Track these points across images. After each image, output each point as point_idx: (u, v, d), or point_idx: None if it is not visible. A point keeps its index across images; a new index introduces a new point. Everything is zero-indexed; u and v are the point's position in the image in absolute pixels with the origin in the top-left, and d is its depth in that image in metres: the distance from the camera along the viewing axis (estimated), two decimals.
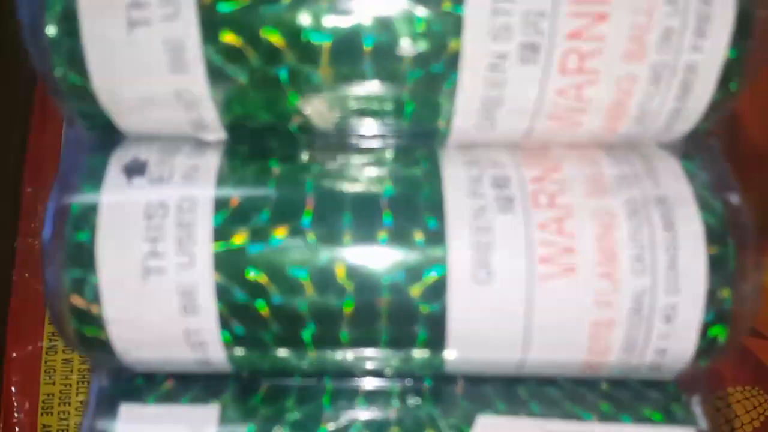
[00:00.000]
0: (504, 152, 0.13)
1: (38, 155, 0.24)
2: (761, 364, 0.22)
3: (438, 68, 0.11)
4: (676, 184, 0.12)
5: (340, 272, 0.12)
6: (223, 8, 0.11)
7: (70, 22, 0.11)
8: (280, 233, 0.12)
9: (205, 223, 0.11)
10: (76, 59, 0.11)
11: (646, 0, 0.10)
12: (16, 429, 0.23)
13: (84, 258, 0.11)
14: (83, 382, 0.23)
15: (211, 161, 0.12)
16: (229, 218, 0.11)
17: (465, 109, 0.12)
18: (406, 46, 0.11)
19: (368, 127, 0.12)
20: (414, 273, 0.12)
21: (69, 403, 0.23)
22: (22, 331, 0.23)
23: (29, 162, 0.24)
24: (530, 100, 0.11)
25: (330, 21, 0.11)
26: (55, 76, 0.11)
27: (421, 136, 0.13)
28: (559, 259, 0.11)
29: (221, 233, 0.11)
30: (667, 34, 0.11)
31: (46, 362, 0.23)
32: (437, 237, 0.11)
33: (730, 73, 0.11)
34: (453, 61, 0.11)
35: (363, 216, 0.12)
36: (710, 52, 0.11)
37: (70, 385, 0.23)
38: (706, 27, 0.11)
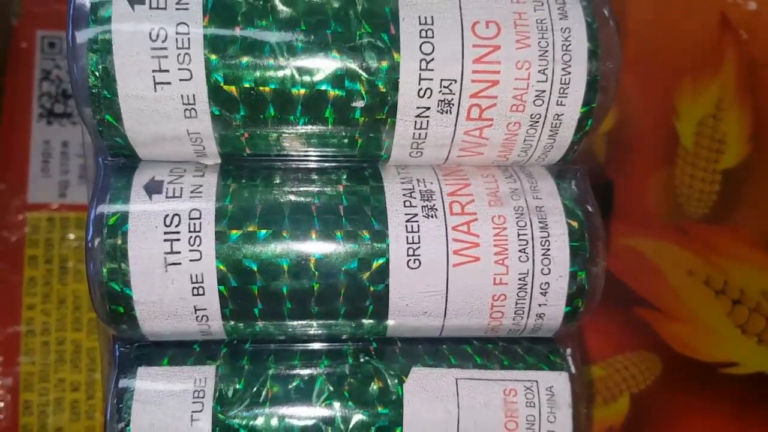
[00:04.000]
0: (430, 172, 0.17)
1: (8, 154, 0.26)
2: (653, 332, 0.25)
3: (381, 116, 0.15)
4: (550, 197, 0.16)
5: (310, 262, 0.15)
6: (224, 73, 0.14)
7: (109, 81, 0.14)
8: (265, 234, 0.15)
9: (209, 228, 0.15)
10: (113, 108, 0.14)
11: (525, 72, 0.15)
12: (1, 404, 0.25)
13: (118, 255, 0.15)
14: (60, 362, 0.25)
15: (211, 181, 0.16)
16: (226, 224, 0.15)
17: (400, 144, 0.16)
18: (358, 100, 0.15)
19: (328, 155, 0.16)
20: (364, 262, 0.15)
21: (48, 381, 0.25)
22: (0, 317, 0.25)
23: (0, 161, 0.26)
24: (446, 138, 0.15)
25: (303, 80, 0.15)
26: (95, 119, 0.15)
27: (367, 161, 0.17)
28: (468, 252, 0.15)
29: (221, 235, 0.15)
30: (540, 94, 0.15)
31: (25, 344, 0.25)
32: (381, 236, 0.15)
33: (584, 119, 0.15)
34: (392, 111, 0.15)
35: (326, 220, 0.15)
36: (570, 106, 0.15)
37: (48, 364, 0.25)
38: (567, 89, 0.15)
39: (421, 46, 0.15)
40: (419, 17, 0.15)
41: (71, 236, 0.26)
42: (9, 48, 0.27)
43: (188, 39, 0.14)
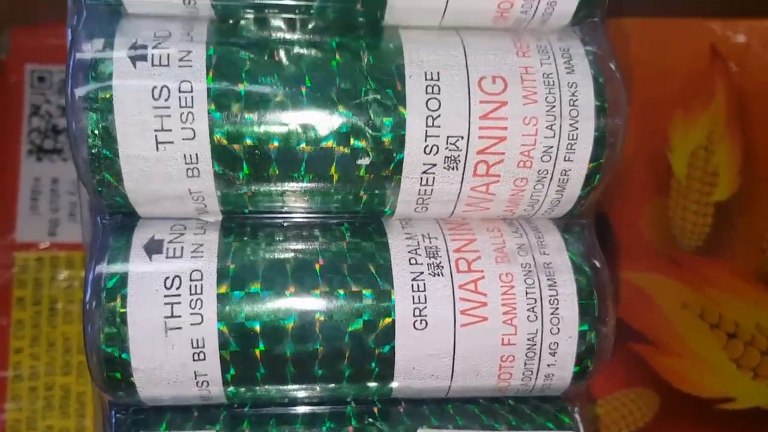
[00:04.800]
0: (434, 226, 0.16)
1: None
2: (649, 367, 0.25)
3: (386, 173, 0.15)
4: (557, 254, 0.16)
5: (314, 323, 0.15)
6: (227, 131, 0.14)
7: (110, 141, 0.14)
8: (268, 294, 0.15)
9: (210, 289, 0.15)
10: (113, 168, 0.14)
11: (532, 127, 0.15)
12: None
13: (117, 320, 0.14)
14: (48, 408, 0.24)
15: (213, 239, 0.15)
16: (228, 284, 0.15)
17: (405, 200, 0.15)
18: (364, 157, 0.15)
19: (332, 211, 0.16)
20: (369, 323, 0.15)
21: (36, 428, 0.24)
22: None
23: None
24: (452, 194, 0.15)
25: (308, 137, 0.14)
26: (95, 179, 0.14)
27: (371, 216, 0.16)
28: (476, 311, 0.15)
29: (223, 297, 0.15)
30: (547, 150, 0.15)
31: (12, 390, 0.24)
32: (387, 295, 0.15)
33: (592, 175, 0.15)
34: (398, 168, 0.15)
35: (330, 279, 0.15)
36: (578, 162, 0.15)
37: (36, 411, 0.24)
38: (574, 145, 0.15)
39: (427, 102, 0.14)
40: (425, 73, 0.14)
41: (61, 276, 0.26)
42: None
43: (191, 97, 0.14)
